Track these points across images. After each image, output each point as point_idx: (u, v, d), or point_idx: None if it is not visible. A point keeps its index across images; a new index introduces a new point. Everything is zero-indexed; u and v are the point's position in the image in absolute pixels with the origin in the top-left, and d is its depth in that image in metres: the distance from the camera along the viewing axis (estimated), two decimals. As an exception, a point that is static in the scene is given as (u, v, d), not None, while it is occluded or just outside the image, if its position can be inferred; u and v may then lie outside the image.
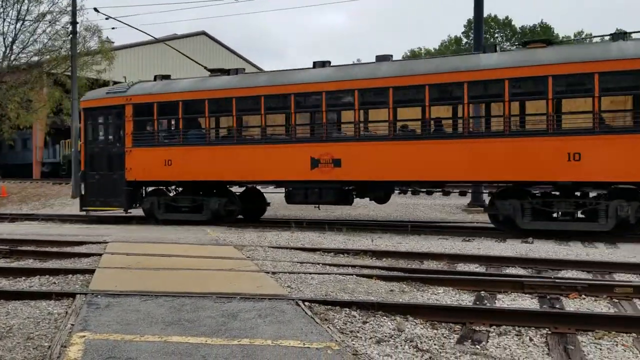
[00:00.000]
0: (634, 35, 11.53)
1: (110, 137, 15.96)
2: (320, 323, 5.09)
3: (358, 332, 5.07)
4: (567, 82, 11.23)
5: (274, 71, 14.74)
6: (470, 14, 18.38)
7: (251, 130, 14.99)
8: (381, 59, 13.03)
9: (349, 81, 12.80)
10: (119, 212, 16.20)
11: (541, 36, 56.50)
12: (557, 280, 6.97)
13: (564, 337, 5.03)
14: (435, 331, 5.24)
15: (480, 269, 8.52)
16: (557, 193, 11.55)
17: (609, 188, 11.12)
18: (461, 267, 8.66)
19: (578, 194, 11.51)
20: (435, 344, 4.80)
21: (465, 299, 6.59)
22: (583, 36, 54.35)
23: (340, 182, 12.93)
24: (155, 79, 15.79)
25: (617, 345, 4.84)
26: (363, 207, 17.67)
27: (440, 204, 18.45)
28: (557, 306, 6.20)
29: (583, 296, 6.51)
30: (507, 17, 59.12)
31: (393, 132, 12.45)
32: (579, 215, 11.40)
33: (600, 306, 6.22)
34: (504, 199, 11.76)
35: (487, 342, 4.97)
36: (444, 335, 5.16)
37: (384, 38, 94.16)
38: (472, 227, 13.45)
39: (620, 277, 7.72)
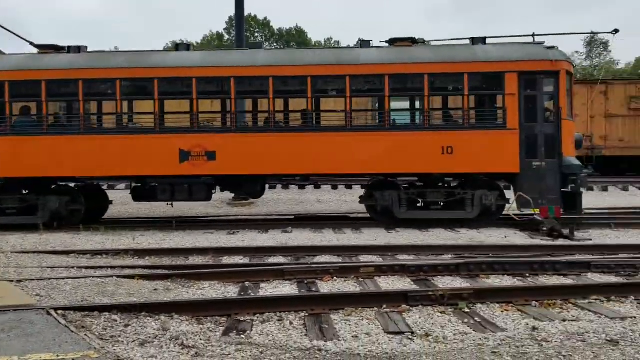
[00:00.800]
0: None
1: None
2: (76, 331, 4.70)
3: (120, 336, 4.81)
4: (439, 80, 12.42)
5: (132, 51, 12.99)
6: (231, 11, 18.89)
7: (105, 118, 13.29)
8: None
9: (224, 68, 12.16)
10: None
11: (297, 38, 60.49)
12: (312, 266, 7.55)
13: (320, 317, 5.48)
14: (201, 326, 5.25)
15: (245, 260, 8.79)
16: (422, 184, 12.49)
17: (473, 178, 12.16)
18: (227, 260, 8.81)
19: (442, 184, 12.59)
20: (201, 339, 4.81)
21: (231, 291, 6.73)
22: (333, 41, 59.59)
23: (214, 176, 12.21)
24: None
25: (362, 319, 5.46)
26: (122, 205, 16.75)
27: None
28: (314, 289, 6.72)
29: (335, 278, 7.18)
30: (266, 18, 61.76)
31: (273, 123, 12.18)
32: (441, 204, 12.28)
33: (349, 286, 6.93)
34: (381, 191, 12.19)
35: (252, 330, 5.16)
36: (210, 329, 5.20)
37: (140, 27, 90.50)
38: (237, 220, 13.77)
39: (365, 258, 8.71)
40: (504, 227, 11.89)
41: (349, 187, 19.92)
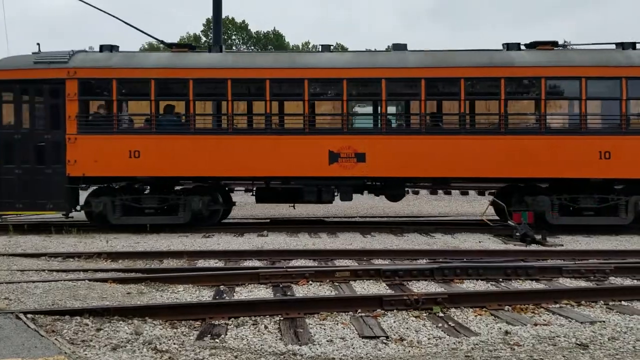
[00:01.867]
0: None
1: (40, 120, 12.13)
2: (46, 336, 4.61)
3: (91, 340, 4.73)
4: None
5: (279, 52, 12.90)
6: (209, 13, 18.94)
7: (252, 118, 13.24)
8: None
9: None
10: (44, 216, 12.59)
11: (274, 42, 60.44)
12: (288, 270, 7.53)
13: (295, 321, 5.47)
14: (175, 330, 5.19)
15: (220, 263, 8.73)
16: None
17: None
18: (201, 263, 8.74)
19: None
20: (174, 343, 4.76)
21: (206, 295, 6.68)
22: (311, 46, 59.69)
23: (362, 178, 12.07)
24: (101, 50, 12.68)
25: (337, 324, 5.46)
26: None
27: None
28: (289, 293, 6.71)
29: (310, 282, 7.17)
30: (244, 21, 61.58)
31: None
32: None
33: (324, 290, 6.93)
34: (533, 196, 11.89)
35: (226, 334, 5.12)
36: (184, 333, 5.15)
37: (113, 27, 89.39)
38: (212, 223, 13.64)
39: (340, 262, 8.72)
40: (478, 232, 12.03)
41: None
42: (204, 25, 58.85)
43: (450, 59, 12.23)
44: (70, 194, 12.08)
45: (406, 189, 14.23)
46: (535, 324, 5.38)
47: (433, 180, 13.02)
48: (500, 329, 5.26)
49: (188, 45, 13.01)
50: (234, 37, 60.62)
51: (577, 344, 4.76)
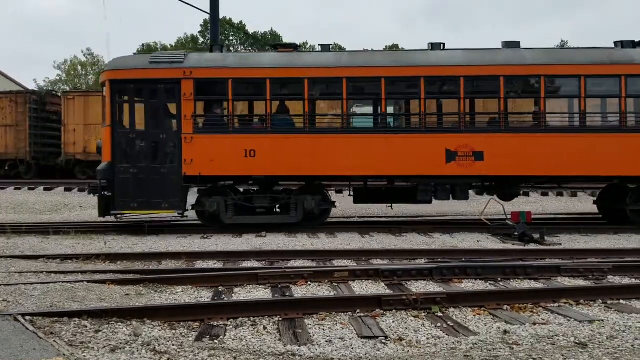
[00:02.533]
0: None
1: (155, 120, 12.23)
2: (44, 338, 4.60)
3: (90, 342, 4.72)
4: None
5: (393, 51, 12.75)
6: (206, 14, 18.96)
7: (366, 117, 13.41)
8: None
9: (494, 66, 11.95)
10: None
11: (272, 42, 60.37)
12: (287, 270, 7.53)
13: (294, 321, 5.47)
14: (173, 331, 5.19)
15: (219, 264, 8.73)
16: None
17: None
18: (200, 264, 8.74)
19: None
20: (173, 344, 4.75)
21: (204, 296, 6.67)
22: (308, 46, 59.71)
23: (479, 177, 12.16)
24: (212, 50, 12.99)
25: (336, 324, 5.46)
26: (93, 208, 16.44)
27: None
28: (287, 294, 6.70)
29: (309, 283, 7.17)
30: (241, 22, 61.55)
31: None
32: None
33: (323, 290, 6.93)
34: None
35: (225, 335, 5.12)
36: (183, 334, 5.15)
37: (109, 29, 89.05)
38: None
39: (339, 262, 8.71)
40: (476, 231, 12.04)
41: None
42: (201, 26, 58.87)
43: (568, 57, 12.28)
44: (185, 194, 12.23)
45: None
46: (534, 323, 5.38)
47: (548, 178, 12.90)
48: (499, 328, 5.26)
49: (293, 45, 13.32)
50: (231, 37, 60.59)
51: (576, 343, 4.77)
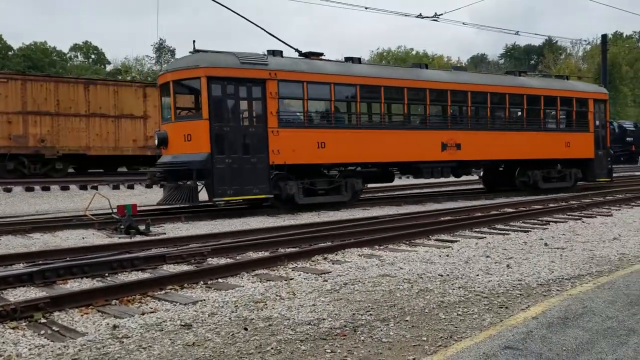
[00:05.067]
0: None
1: (244, 114, 13.93)
2: None
3: None
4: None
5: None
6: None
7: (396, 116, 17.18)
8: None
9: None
10: None
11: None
12: None
13: None
14: None
15: None
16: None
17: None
18: None
19: None
20: None
21: None
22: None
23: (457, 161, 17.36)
24: (274, 54, 14.61)
25: None
26: None
27: None
28: None
29: None
30: None
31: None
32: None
33: None
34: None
35: None
36: None
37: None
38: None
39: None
40: (81, 228, 11.56)
41: None
42: None
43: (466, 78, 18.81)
44: (273, 180, 13.99)
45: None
46: (143, 313, 5.52)
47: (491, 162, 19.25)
48: (108, 324, 5.19)
49: (319, 53, 15.75)
50: None
51: (182, 325, 5.11)
